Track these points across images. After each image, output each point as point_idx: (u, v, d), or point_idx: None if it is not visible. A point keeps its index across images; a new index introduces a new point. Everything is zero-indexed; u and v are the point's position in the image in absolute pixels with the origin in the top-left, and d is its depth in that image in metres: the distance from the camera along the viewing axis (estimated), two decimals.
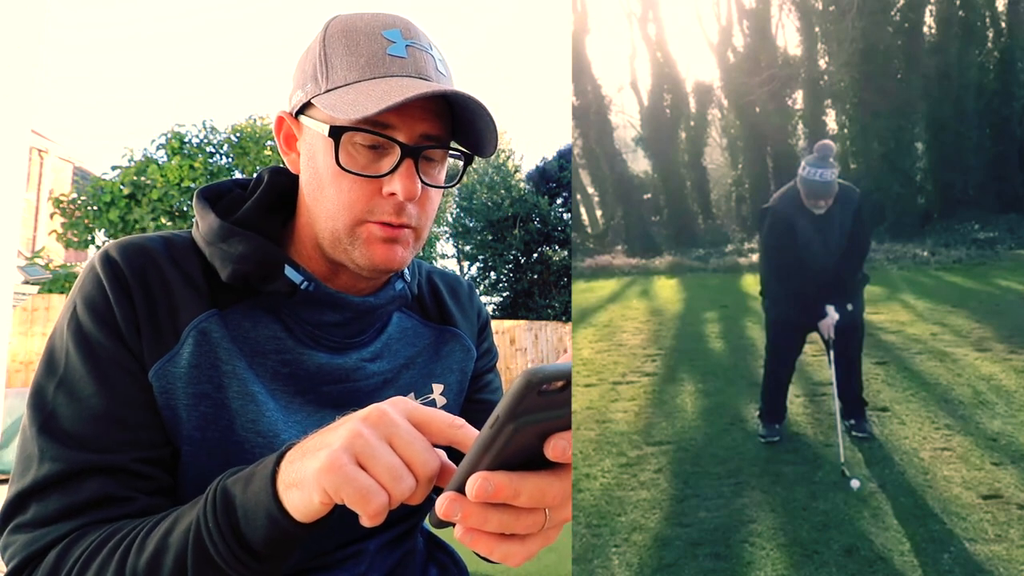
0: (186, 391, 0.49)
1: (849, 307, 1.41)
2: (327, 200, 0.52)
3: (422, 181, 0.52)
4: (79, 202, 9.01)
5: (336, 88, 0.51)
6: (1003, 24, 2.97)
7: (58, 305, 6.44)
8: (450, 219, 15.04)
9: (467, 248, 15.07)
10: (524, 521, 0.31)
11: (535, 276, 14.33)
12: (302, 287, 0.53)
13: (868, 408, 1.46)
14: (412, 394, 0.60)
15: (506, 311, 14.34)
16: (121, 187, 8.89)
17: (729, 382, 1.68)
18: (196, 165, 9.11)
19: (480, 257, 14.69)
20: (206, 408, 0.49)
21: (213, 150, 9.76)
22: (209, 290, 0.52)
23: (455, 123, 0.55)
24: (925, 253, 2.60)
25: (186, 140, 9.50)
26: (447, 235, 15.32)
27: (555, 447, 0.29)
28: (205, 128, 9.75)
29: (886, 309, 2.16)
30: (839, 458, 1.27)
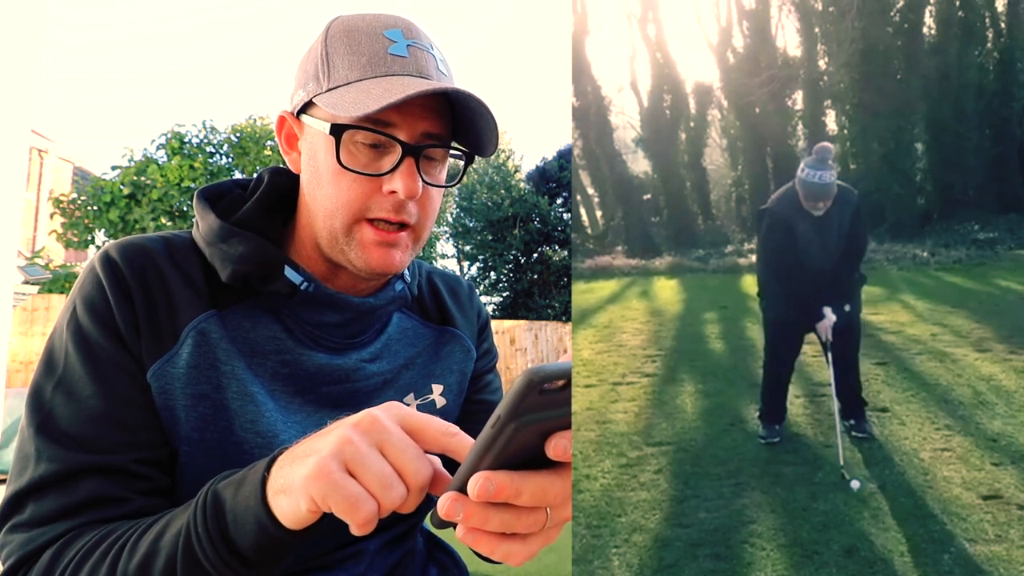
0: (184, 392, 0.48)
1: (847, 308, 1.41)
2: (326, 198, 0.52)
3: (423, 180, 0.52)
4: (79, 202, 9.01)
5: (338, 87, 0.51)
6: (1003, 25, 2.97)
7: (58, 305, 6.44)
8: (450, 219, 15.03)
9: (467, 248, 15.07)
10: (526, 520, 0.31)
11: (535, 276, 14.33)
12: (302, 287, 0.53)
13: (868, 408, 1.46)
14: (412, 394, 0.60)
15: (506, 311, 14.34)
16: (121, 187, 8.89)
17: (729, 383, 1.68)
18: (196, 165, 9.11)
19: (480, 257, 14.69)
20: (205, 409, 0.49)
21: (213, 150, 9.76)
22: (209, 291, 0.52)
23: (456, 122, 0.55)
24: (925, 254, 2.60)
25: (186, 140, 9.50)
26: (447, 235, 15.32)
27: (556, 446, 0.29)
28: (205, 128, 9.75)
29: (886, 310, 2.16)
30: (839, 458, 1.27)
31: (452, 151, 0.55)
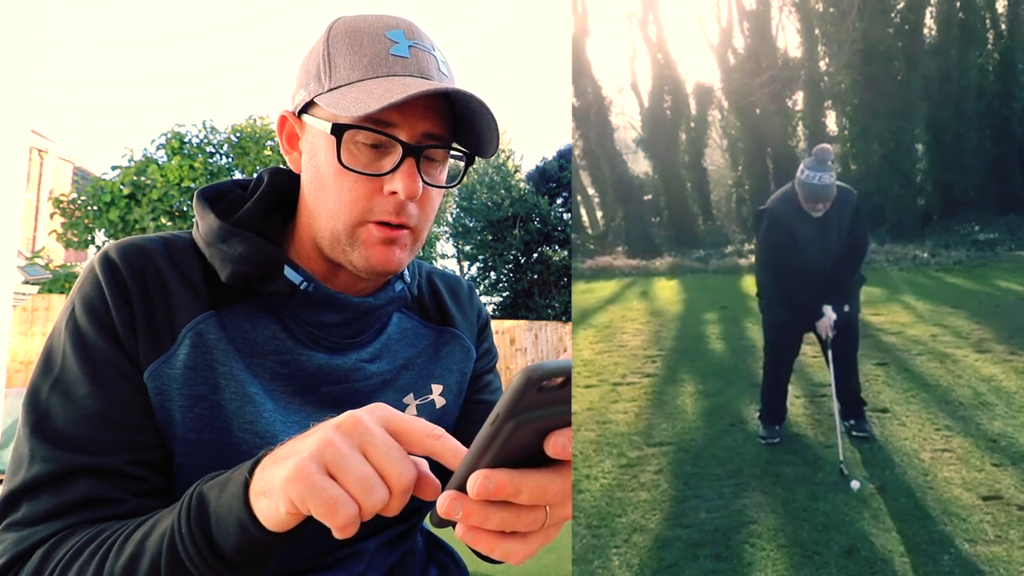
0: (181, 392, 0.48)
1: (846, 308, 1.41)
2: (328, 199, 0.52)
3: (423, 181, 0.52)
4: (79, 202, 9.01)
5: (339, 87, 0.51)
6: (1003, 26, 2.97)
7: (58, 305, 6.44)
8: (450, 219, 15.04)
9: (467, 248, 15.07)
10: (525, 519, 0.31)
11: (535, 276, 14.34)
12: (301, 287, 0.53)
13: (868, 409, 1.46)
14: (411, 394, 0.60)
15: (506, 311, 14.34)
16: (121, 187, 8.89)
17: (729, 383, 1.68)
18: (196, 165, 9.11)
19: (480, 257, 14.69)
20: (202, 410, 0.49)
21: (213, 150, 9.76)
22: (208, 291, 0.52)
23: (456, 123, 0.55)
24: (925, 254, 2.60)
25: (186, 140, 9.50)
26: (447, 235, 15.32)
27: (556, 444, 0.29)
28: (205, 128, 9.75)
29: (886, 310, 2.16)
30: (839, 458, 1.27)
31: (452, 152, 0.55)
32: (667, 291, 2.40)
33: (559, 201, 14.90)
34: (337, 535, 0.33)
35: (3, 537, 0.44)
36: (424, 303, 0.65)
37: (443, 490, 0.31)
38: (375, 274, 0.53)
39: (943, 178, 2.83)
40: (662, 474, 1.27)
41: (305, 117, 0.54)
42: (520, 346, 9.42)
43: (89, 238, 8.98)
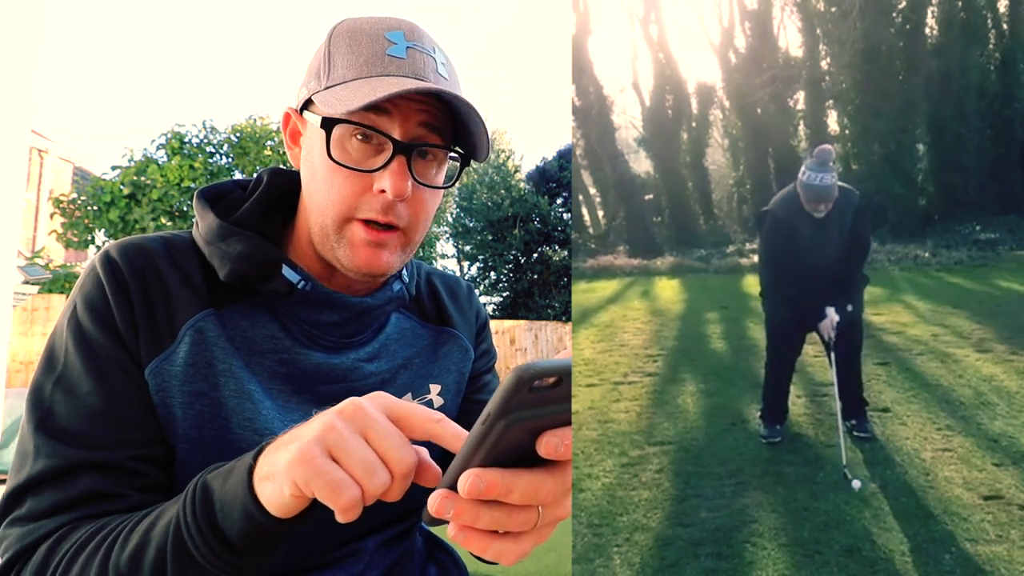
0: (181, 389, 0.49)
1: (849, 308, 1.41)
2: (319, 194, 0.53)
3: (416, 180, 0.52)
4: (79, 202, 9.01)
5: (334, 85, 0.52)
6: (1004, 26, 2.97)
7: (58, 305, 6.44)
8: (450, 219, 15.04)
9: (467, 248, 15.08)
10: (517, 519, 0.31)
11: (535, 276, 14.34)
12: (299, 286, 0.53)
13: (869, 409, 1.46)
14: (409, 394, 0.60)
15: (506, 311, 14.35)
16: (121, 187, 8.89)
17: (730, 383, 1.68)
18: (196, 165, 9.12)
19: (480, 257, 14.70)
20: (202, 407, 0.49)
21: (213, 150, 9.77)
22: (207, 290, 0.52)
23: (455, 126, 0.55)
24: (926, 254, 2.60)
25: (186, 140, 9.51)
26: (447, 235, 15.33)
27: (547, 444, 0.28)
28: (205, 128, 9.75)
29: (888, 310, 2.16)
30: (840, 458, 1.27)
31: (450, 153, 0.55)
32: (668, 290, 2.40)
33: (559, 201, 14.91)
34: (340, 518, 0.33)
35: (8, 532, 0.45)
36: (423, 303, 0.66)
37: (437, 487, 0.31)
38: (362, 275, 0.53)
39: (944, 178, 2.83)
40: (663, 473, 1.26)
41: (305, 114, 0.55)
42: (520, 346, 9.42)
43: (89, 238, 8.98)
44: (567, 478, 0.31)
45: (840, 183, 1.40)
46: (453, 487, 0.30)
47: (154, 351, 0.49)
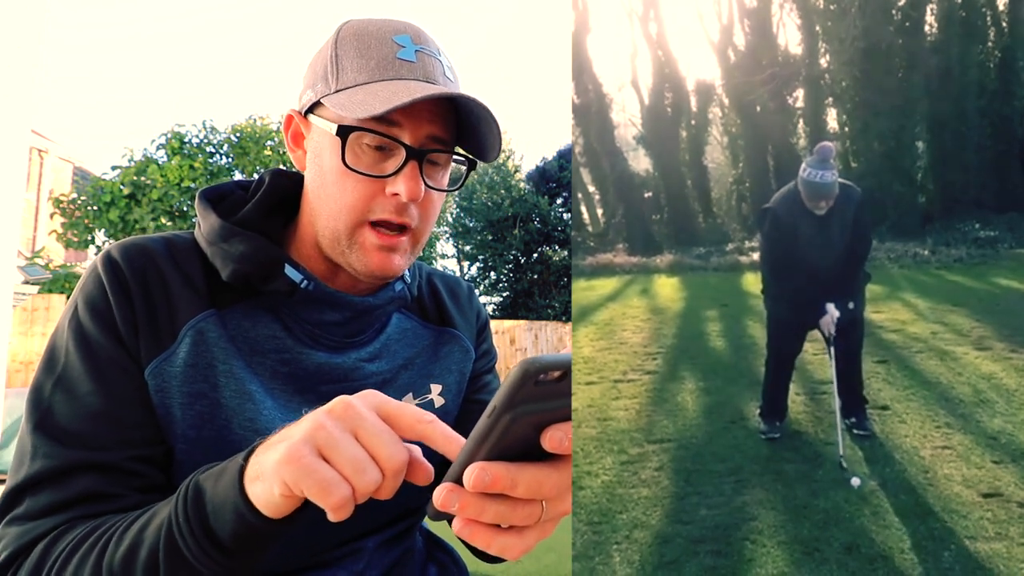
0: (181, 390, 0.49)
1: (850, 305, 1.41)
2: (330, 199, 0.53)
3: (425, 183, 0.52)
4: (79, 202, 9.01)
5: (346, 88, 0.52)
6: (1004, 23, 2.97)
7: (58, 305, 6.44)
8: (450, 219, 15.05)
9: (467, 248, 15.08)
10: (521, 512, 0.31)
11: (535, 276, 14.35)
12: (302, 286, 0.53)
13: (869, 406, 1.46)
14: (410, 394, 0.60)
15: (506, 311, 14.35)
16: (121, 187, 8.89)
17: (730, 380, 1.68)
18: (196, 165, 9.12)
19: (480, 257, 14.70)
20: (202, 407, 0.49)
21: (213, 150, 9.76)
22: (209, 290, 0.53)
23: (460, 128, 0.55)
24: (926, 252, 2.60)
25: (186, 140, 9.50)
26: (447, 235, 15.33)
27: (552, 438, 0.29)
28: (205, 128, 9.75)
29: (887, 308, 2.16)
30: (837, 454, 1.27)
31: (455, 157, 0.56)
32: (668, 288, 2.40)
33: (559, 201, 14.91)
34: (332, 517, 0.33)
35: (6, 531, 0.45)
36: (424, 304, 0.66)
37: (440, 482, 0.31)
38: (374, 278, 0.54)
39: (944, 176, 2.82)
40: (663, 471, 1.27)
41: (311, 117, 0.55)
42: (520, 346, 9.43)
43: (89, 238, 8.98)
44: (571, 472, 0.31)
45: (841, 180, 1.40)
46: (458, 481, 0.30)
47: (154, 351, 0.49)
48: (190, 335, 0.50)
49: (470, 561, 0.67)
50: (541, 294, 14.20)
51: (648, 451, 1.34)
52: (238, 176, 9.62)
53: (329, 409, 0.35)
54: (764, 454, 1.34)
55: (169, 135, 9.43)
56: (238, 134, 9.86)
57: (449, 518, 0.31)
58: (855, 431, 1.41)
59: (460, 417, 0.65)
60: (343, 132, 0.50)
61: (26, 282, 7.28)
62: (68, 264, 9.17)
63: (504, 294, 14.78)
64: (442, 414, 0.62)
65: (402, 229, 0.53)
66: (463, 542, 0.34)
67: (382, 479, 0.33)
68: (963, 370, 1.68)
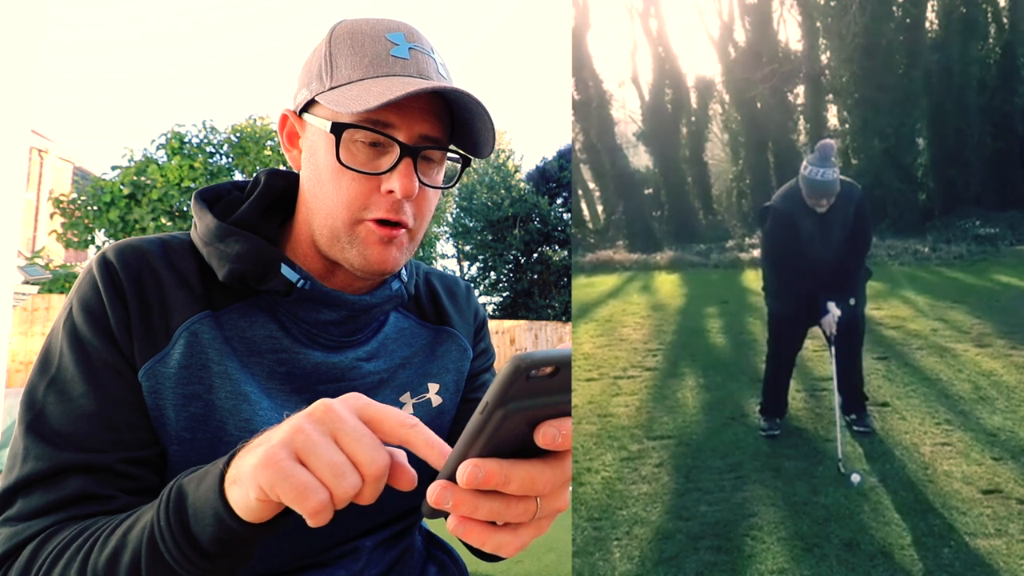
0: (175, 391, 0.49)
1: (852, 302, 1.41)
2: (326, 196, 0.53)
3: (420, 181, 0.52)
4: (79, 202, 9.02)
5: (340, 86, 0.52)
6: (1005, 20, 2.96)
7: (58, 305, 6.45)
8: (450, 219, 15.05)
9: (467, 248, 15.09)
10: (515, 509, 0.30)
11: (535, 276, 14.36)
12: (298, 285, 0.53)
13: (869, 403, 1.46)
14: (408, 393, 0.60)
15: (506, 311, 14.37)
16: (121, 187, 8.89)
17: (730, 377, 1.67)
18: (196, 165, 9.12)
19: (480, 257, 14.71)
20: (196, 409, 0.49)
21: (213, 150, 9.76)
22: (205, 291, 0.52)
23: (454, 125, 0.55)
24: (926, 249, 2.60)
25: (186, 140, 9.50)
26: (447, 235, 15.34)
27: (545, 434, 0.28)
28: (205, 128, 9.75)
29: (887, 305, 2.16)
30: (838, 453, 1.27)
31: (449, 154, 0.56)
32: (668, 285, 2.40)
33: (559, 201, 14.91)
34: (310, 522, 0.32)
35: None
36: (421, 303, 0.66)
37: (433, 480, 0.31)
38: (372, 273, 0.54)
39: (944, 173, 2.82)
40: (663, 467, 1.27)
41: (306, 116, 0.55)
42: (520, 346, 9.43)
43: (89, 238, 8.99)
44: (566, 469, 0.31)
45: (842, 177, 1.40)
46: (452, 478, 0.30)
47: (148, 353, 0.49)
48: (184, 336, 0.50)
49: (470, 561, 0.67)
50: (541, 294, 14.20)
51: (648, 447, 1.34)
52: (238, 176, 9.63)
53: (309, 412, 0.34)
54: (764, 451, 1.34)
55: (169, 135, 9.43)
56: (238, 134, 9.86)
57: (444, 516, 0.31)
58: (855, 428, 1.41)
59: (458, 416, 0.65)
60: (337, 129, 0.50)
61: (26, 282, 7.29)
62: (68, 264, 9.18)
63: (504, 294, 14.78)
64: (439, 413, 0.62)
65: (399, 225, 0.53)
66: (459, 540, 0.34)
67: (362, 484, 0.33)
68: (963, 367, 1.68)
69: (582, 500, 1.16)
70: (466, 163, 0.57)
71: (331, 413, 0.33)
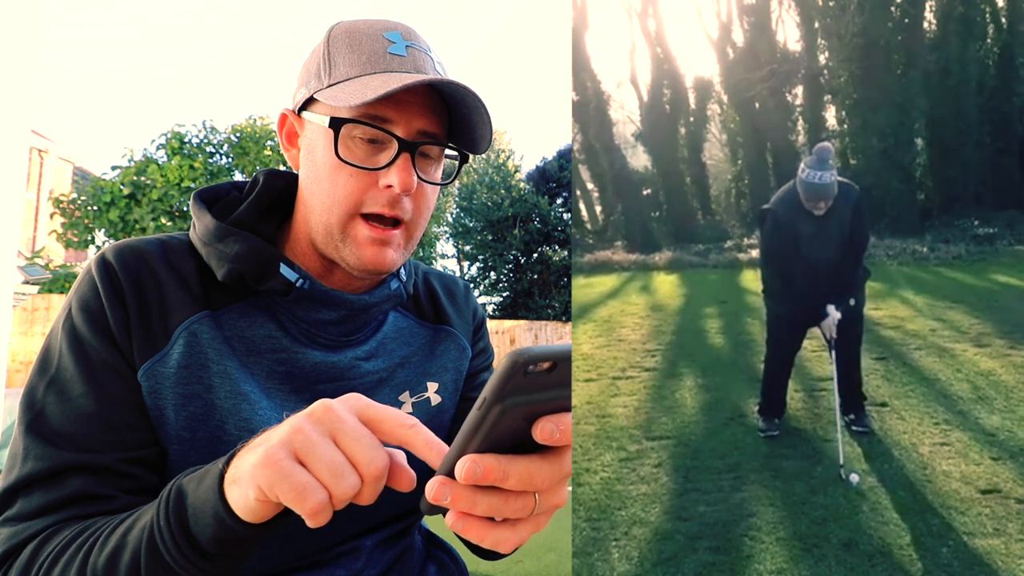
0: (174, 391, 0.49)
1: (851, 302, 1.42)
2: (323, 192, 0.53)
3: (418, 176, 0.52)
4: (79, 202, 9.02)
5: (338, 82, 0.52)
6: (1003, 20, 2.96)
7: (58, 305, 6.45)
8: (450, 219, 15.05)
9: (467, 248, 15.09)
10: (513, 505, 0.31)
11: (535, 276, 14.36)
12: (297, 285, 0.53)
13: (867, 403, 1.46)
14: (407, 392, 0.61)
15: (506, 311, 14.37)
16: (121, 187, 8.89)
17: (729, 377, 1.67)
18: (196, 165, 9.12)
19: (480, 257, 14.72)
20: (196, 408, 0.49)
21: (213, 150, 9.76)
22: (204, 291, 0.53)
23: (451, 122, 0.56)
24: (924, 249, 2.60)
25: (186, 140, 9.51)
26: (447, 235, 15.34)
27: (543, 430, 0.28)
28: (205, 128, 9.74)
29: (885, 305, 2.16)
30: (838, 453, 1.27)
31: (447, 151, 0.56)
32: (666, 285, 2.40)
33: (559, 201, 14.91)
34: (309, 523, 0.32)
35: None
36: (420, 302, 0.66)
37: (431, 477, 0.31)
38: (368, 272, 0.54)
39: (942, 173, 2.82)
40: (661, 467, 1.27)
41: (305, 114, 0.55)
42: (520, 346, 9.42)
43: (89, 238, 8.99)
44: (564, 464, 0.31)
45: (840, 178, 1.40)
46: (450, 474, 0.30)
47: (147, 353, 0.49)
48: (184, 336, 0.50)
49: (470, 560, 0.67)
50: (541, 294, 14.21)
51: (647, 448, 1.34)
52: (238, 176, 9.62)
53: (309, 412, 0.34)
54: (763, 451, 1.34)
55: (169, 135, 9.43)
56: (238, 134, 9.86)
57: (443, 512, 0.31)
58: (854, 428, 1.41)
59: (457, 415, 0.65)
60: (335, 124, 0.51)
61: (26, 282, 7.28)
62: (68, 264, 9.18)
63: (504, 294, 14.78)
64: (438, 412, 0.63)
65: (395, 223, 0.53)
66: (458, 536, 0.34)
67: (361, 484, 0.33)
68: (962, 367, 1.68)
69: (581, 501, 1.17)
70: (464, 160, 0.57)
71: (330, 413, 0.34)
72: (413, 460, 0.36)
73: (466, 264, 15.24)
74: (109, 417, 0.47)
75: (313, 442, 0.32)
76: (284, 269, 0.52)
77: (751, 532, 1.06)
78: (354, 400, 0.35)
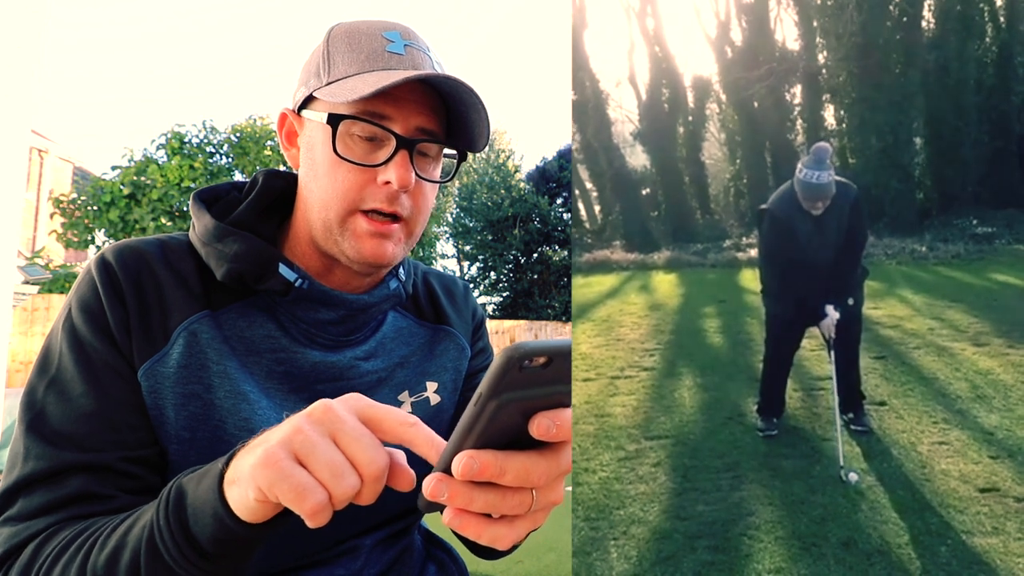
0: (174, 391, 0.49)
1: (850, 301, 1.42)
2: (322, 189, 0.53)
3: (416, 174, 0.53)
4: (79, 202, 9.01)
5: (337, 80, 0.53)
6: (1001, 19, 2.96)
7: (58, 305, 6.45)
8: (450, 219, 15.05)
9: (467, 248, 15.09)
10: (510, 501, 0.30)
11: (535, 276, 14.36)
12: (296, 285, 0.53)
13: (866, 402, 1.46)
14: (406, 392, 0.61)
15: (506, 311, 14.37)
16: (121, 187, 8.89)
17: (727, 376, 1.68)
18: (196, 165, 9.11)
19: (480, 257, 14.71)
20: (195, 408, 0.49)
21: (213, 150, 9.76)
22: (203, 291, 0.53)
23: (449, 120, 0.56)
24: (923, 248, 2.60)
25: (186, 140, 9.50)
26: (447, 235, 15.34)
27: (540, 425, 0.28)
28: (205, 128, 9.74)
29: (884, 304, 2.16)
30: (837, 452, 1.27)
31: (446, 150, 0.56)
32: (665, 285, 2.40)
33: (559, 201, 14.91)
34: (309, 523, 0.32)
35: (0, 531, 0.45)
36: (419, 302, 0.66)
37: (428, 474, 0.31)
38: (367, 266, 0.54)
39: (941, 172, 2.82)
40: (660, 467, 1.27)
41: (304, 113, 0.55)
42: None
43: (89, 238, 8.98)
44: (561, 460, 0.31)
45: (838, 178, 1.41)
46: (447, 470, 0.30)
47: (147, 353, 0.49)
48: (183, 336, 0.50)
49: (469, 560, 0.67)
50: (541, 294, 14.21)
51: (646, 447, 1.34)
52: (238, 176, 9.62)
53: (308, 412, 0.34)
54: (762, 450, 1.34)
55: (169, 135, 9.42)
56: (238, 134, 9.86)
57: (440, 509, 0.31)
58: (852, 427, 1.41)
59: (456, 415, 0.65)
60: (334, 120, 0.51)
61: (26, 282, 7.28)
62: (68, 264, 9.17)
63: (504, 294, 14.79)
64: (438, 412, 0.63)
65: (394, 218, 0.54)
66: (456, 535, 0.34)
67: (361, 485, 0.33)
68: (960, 366, 1.68)
69: (580, 500, 1.17)
70: (462, 158, 0.57)
71: (330, 413, 0.34)
72: (412, 459, 0.36)
73: (466, 264, 15.24)
74: (109, 417, 0.47)
75: (313, 442, 0.32)
76: (283, 269, 0.53)
77: (750, 531, 1.06)
78: (354, 400, 0.35)
